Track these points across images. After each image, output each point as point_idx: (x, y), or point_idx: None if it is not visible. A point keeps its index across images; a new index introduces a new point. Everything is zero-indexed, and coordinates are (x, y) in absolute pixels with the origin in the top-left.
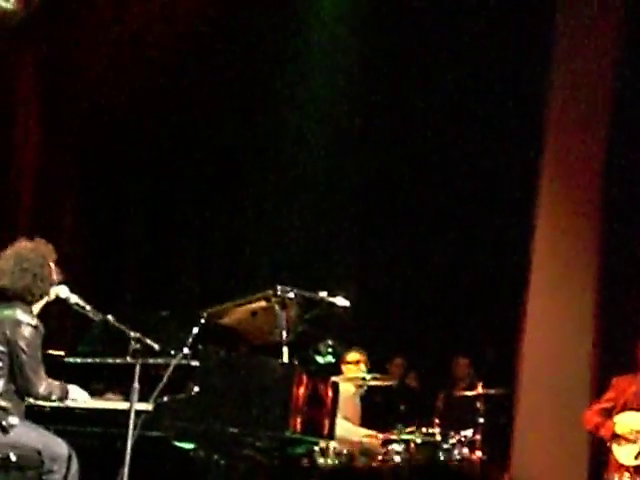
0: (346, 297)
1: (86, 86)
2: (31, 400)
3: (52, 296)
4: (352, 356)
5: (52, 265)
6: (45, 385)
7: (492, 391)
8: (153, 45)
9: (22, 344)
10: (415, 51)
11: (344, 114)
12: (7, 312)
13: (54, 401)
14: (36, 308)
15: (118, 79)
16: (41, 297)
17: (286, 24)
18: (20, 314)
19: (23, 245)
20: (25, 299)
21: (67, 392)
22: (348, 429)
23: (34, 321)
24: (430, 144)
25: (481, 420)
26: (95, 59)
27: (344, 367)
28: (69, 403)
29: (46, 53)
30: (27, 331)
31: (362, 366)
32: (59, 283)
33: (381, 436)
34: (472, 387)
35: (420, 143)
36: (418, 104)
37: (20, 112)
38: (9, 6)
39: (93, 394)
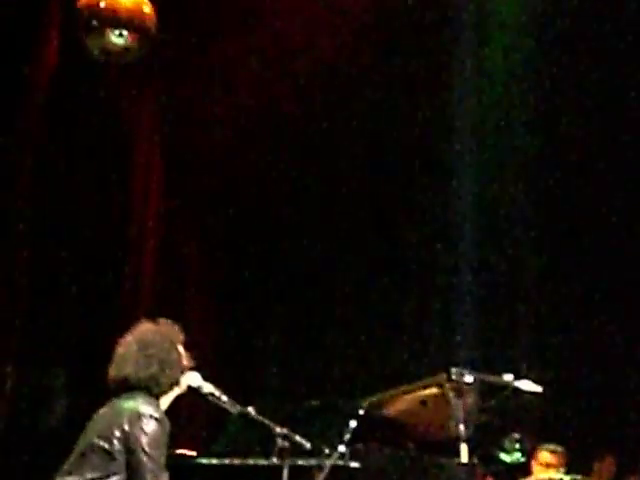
0: (536, 381)
1: (211, 141)
2: None
3: (183, 387)
4: (544, 456)
5: (180, 349)
6: None
7: None
8: (290, 86)
9: (142, 440)
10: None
11: None
12: (127, 403)
13: None
14: (165, 401)
15: (248, 132)
16: (170, 387)
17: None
18: (142, 405)
19: (145, 327)
20: (151, 390)
21: None
22: None
23: (158, 414)
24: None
25: None
26: (222, 104)
27: (535, 467)
28: None
29: (166, 96)
30: (149, 425)
31: (559, 467)
32: (189, 370)
33: None
34: None
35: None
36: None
37: (139, 163)
38: (122, 42)
39: None
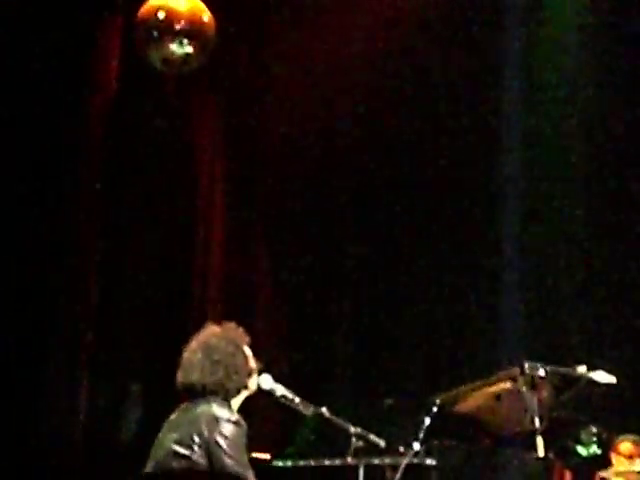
0: (610, 371)
1: (278, 149)
2: None
3: (253, 388)
4: (626, 447)
5: (247, 351)
6: None
7: None
8: (351, 91)
9: (223, 445)
10: None
11: None
12: (202, 408)
13: None
14: (235, 404)
15: (312, 136)
16: (237, 392)
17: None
18: (217, 410)
19: (210, 332)
20: (219, 395)
21: None
22: None
23: (234, 416)
24: None
25: None
26: (286, 111)
27: (615, 458)
28: None
29: (228, 105)
30: (227, 428)
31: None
32: (260, 372)
33: None
34: None
35: None
36: None
37: (203, 171)
38: (185, 50)
39: None
